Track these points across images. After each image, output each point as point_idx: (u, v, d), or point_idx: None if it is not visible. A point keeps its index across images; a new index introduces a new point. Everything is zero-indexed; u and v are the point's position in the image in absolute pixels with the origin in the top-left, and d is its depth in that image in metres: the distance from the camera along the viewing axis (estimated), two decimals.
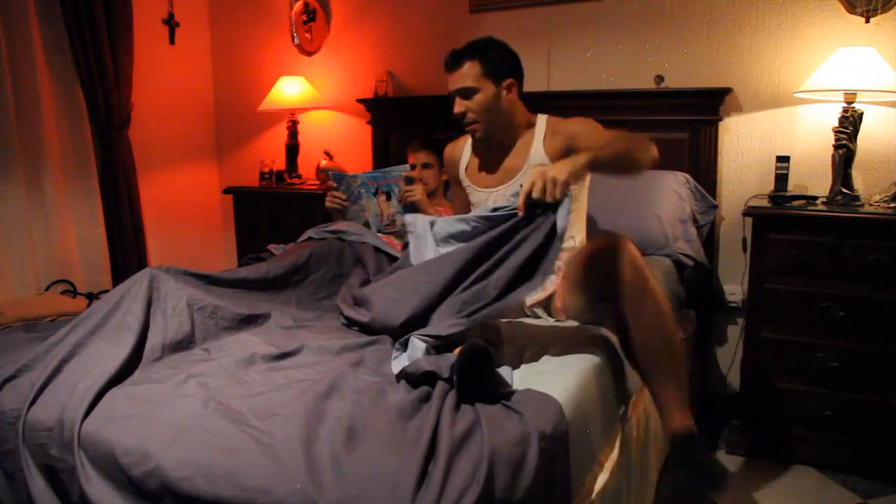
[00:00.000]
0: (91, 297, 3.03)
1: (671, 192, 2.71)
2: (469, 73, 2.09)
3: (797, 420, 2.44)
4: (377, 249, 2.38)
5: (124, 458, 1.26)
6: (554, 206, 1.56)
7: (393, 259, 2.35)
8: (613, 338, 1.84)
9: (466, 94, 2.11)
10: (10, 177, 3.03)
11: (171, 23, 3.72)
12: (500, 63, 2.12)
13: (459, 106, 2.13)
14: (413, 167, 2.81)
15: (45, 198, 3.16)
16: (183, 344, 1.67)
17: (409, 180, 2.60)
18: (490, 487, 1.11)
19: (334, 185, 2.64)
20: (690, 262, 2.59)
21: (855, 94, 2.41)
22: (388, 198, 2.62)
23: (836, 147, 2.43)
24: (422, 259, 1.89)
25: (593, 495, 1.55)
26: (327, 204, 2.67)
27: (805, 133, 2.71)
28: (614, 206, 2.59)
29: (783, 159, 2.57)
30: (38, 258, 3.15)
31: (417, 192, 2.57)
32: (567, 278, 1.90)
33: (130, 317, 1.65)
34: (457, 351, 1.43)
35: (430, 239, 1.88)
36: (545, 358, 1.68)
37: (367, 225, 2.59)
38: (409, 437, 1.22)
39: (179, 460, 1.21)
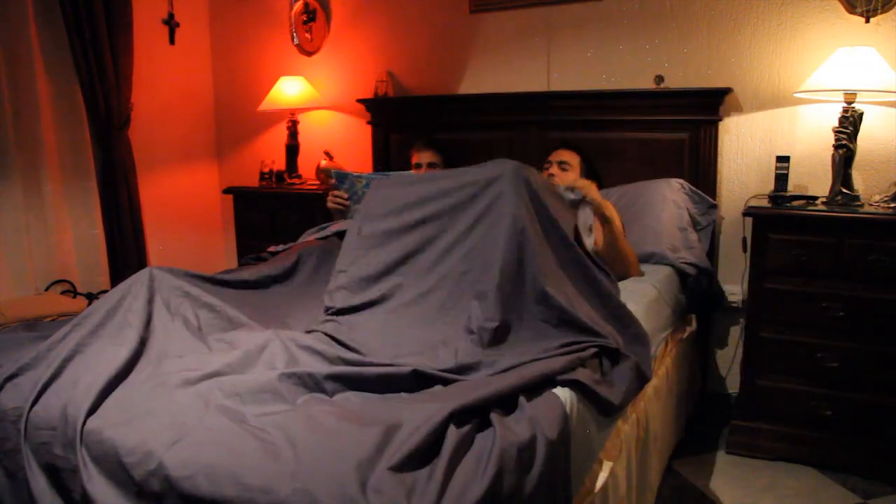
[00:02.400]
0: (91, 298, 3.03)
1: (667, 200, 2.70)
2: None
3: (797, 420, 2.44)
4: None
5: (127, 457, 1.26)
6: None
7: None
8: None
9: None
10: (7, 177, 3.03)
11: (171, 23, 3.72)
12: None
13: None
14: (419, 166, 2.81)
15: (42, 198, 3.16)
16: (184, 343, 1.67)
17: None
18: (497, 487, 1.11)
19: (334, 181, 2.62)
20: (693, 271, 2.55)
21: (855, 94, 2.41)
22: None
23: (836, 147, 2.43)
24: None
25: (594, 493, 1.55)
26: (329, 204, 2.66)
27: (805, 133, 2.71)
28: None
29: (783, 159, 2.57)
30: (35, 259, 3.14)
31: None
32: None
33: (132, 315, 1.65)
34: None
35: None
36: None
37: None
38: (415, 431, 1.21)
39: (182, 460, 1.21)
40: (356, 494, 1.07)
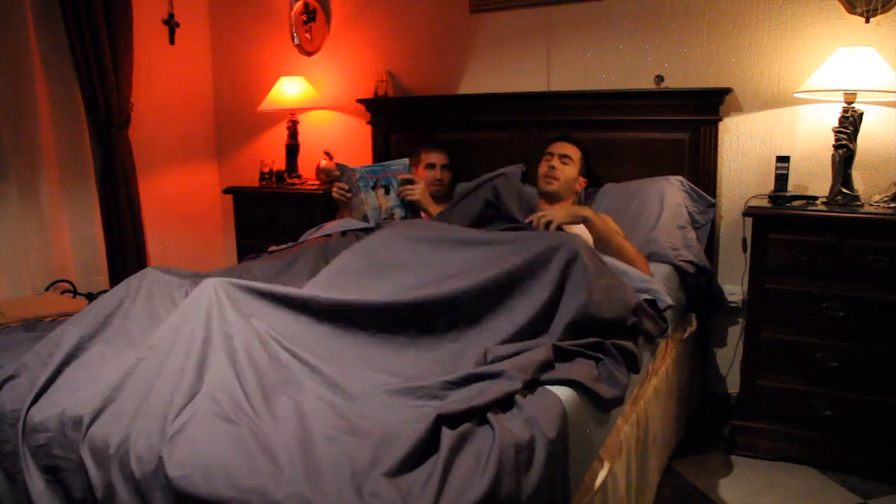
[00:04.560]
0: (91, 298, 3.02)
1: (666, 198, 2.70)
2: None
3: (797, 420, 2.44)
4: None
5: (125, 456, 1.25)
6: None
7: None
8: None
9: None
10: (5, 178, 3.01)
11: (171, 23, 3.72)
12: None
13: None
14: (432, 166, 2.88)
15: (40, 198, 3.14)
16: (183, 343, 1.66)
17: (409, 181, 2.62)
18: (496, 488, 1.11)
19: (338, 173, 2.73)
20: (692, 269, 2.55)
21: (855, 94, 2.41)
22: (387, 191, 2.65)
23: (836, 147, 2.43)
24: None
25: (593, 492, 1.55)
26: (333, 194, 2.75)
27: (805, 133, 2.71)
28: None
29: (783, 159, 2.57)
30: (33, 259, 3.13)
31: (417, 192, 2.60)
32: None
33: (131, 321, 1.65)
34: None
35: None
36: None
37: (365, 217, 2.62)
38: (407, 437, 1.21)
39: (179, 459, 1.21)
40: (353, 499, 1.06)
